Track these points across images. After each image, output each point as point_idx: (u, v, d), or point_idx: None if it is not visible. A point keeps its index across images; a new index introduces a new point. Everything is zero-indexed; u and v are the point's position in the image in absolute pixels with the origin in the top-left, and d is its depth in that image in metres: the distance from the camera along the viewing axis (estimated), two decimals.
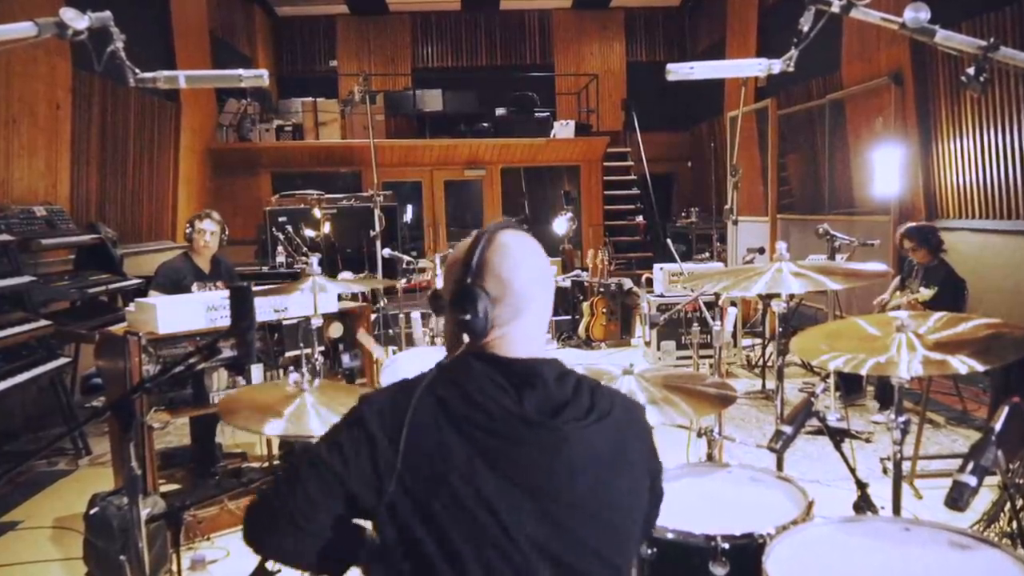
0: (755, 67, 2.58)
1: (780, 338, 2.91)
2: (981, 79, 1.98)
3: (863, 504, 2.01)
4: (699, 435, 2.64)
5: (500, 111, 11.92)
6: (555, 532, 1.12)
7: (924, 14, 1.99)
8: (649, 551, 1.89)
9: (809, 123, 8.98)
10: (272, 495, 1.19)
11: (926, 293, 4.51)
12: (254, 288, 1.62)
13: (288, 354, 3.66)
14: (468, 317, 1.17)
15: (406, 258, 6.17)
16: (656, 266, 6.90)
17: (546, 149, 11.47)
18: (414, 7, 13.55)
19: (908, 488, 3.65)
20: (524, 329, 1.22)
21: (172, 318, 3.27)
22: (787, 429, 1.95)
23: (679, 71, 2.63)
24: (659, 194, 12.65)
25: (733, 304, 6.42)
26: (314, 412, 2.29)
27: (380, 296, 6.22)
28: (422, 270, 6.90)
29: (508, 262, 1.20)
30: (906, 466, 3.68)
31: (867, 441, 4.50)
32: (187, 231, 4.34)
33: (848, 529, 1.78)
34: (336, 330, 3.83)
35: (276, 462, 4.16)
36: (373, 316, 4.93)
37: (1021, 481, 2.27)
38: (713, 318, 3.46)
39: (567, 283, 8.19)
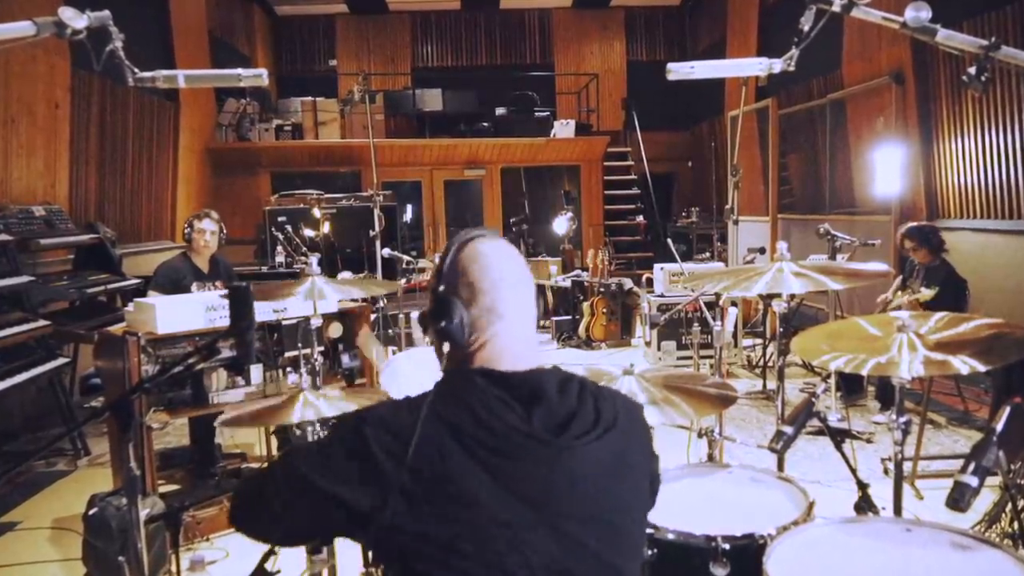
0: (756, 66, 2.57)
1: (781, 338, 2.91)
2: (982, 78, 1.98)
3: (864, 505, 2.01)
4: (700, 435, 2.64)
5: (500, 111, 11.91)
6: (566, 547, 1.11)
7: (925, 13, 1.98)
8: (650, 552, 1.88)
9: (810, 123, 8.98)
10: (257, 494, 1.21)
11: (928, 293, 4.51)
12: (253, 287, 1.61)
13: (287, 354, 3.66)
14: (444, 324, 1.18)
15: (406, 258, 6.16)
16: (656, 266, 6.90)
17: (546, 149, 11.46)
18: (414, 6, 13.55)
19: (909, 489, 3.64)
20: (511, 333, 1.21)
21: (171, 318, 3.26)
22: (788, 429, 1.94)
23: (679, 70, 2.62)
24: (659, 194, 12.65)
25: (734, 304, 6.42)
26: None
27: (379, 296, 6.21)
28: (422, 270, 6.89)
29: (476, 266, 1.21)
30: (907, 466, 3.68)
31: (868, 441, 4.49)
32: (186, 231, 4.34)
33: (849, 530, 1.77)
34: (336, 330, 3.82)
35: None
36: (372, 316, 4.92)
37: (1022, 482, 2.27)
38: (714, 318, 3.45)
39: (567, 283, 8.19)
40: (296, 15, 13.43)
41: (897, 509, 2.04)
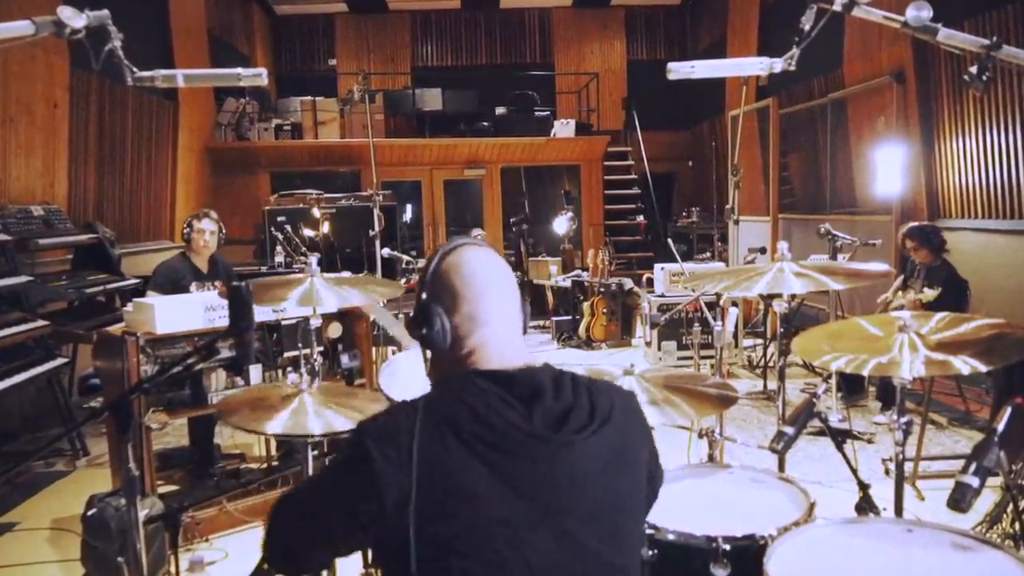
0: (756, 66, 2.57)
1: (781, 338, 2.90)
2: (984, 78, 1.97)
3: (865, 505, 2.01)
4: (700, 436, 2.63)
5: (500, 110, 11.90)
6: (566, 547, 1.11)
7: (926, 12, 1.97)
8: (650, 552, 1.87)
9: (811, 122, 8.97)
10: (282, 526, 1.24)
11: (931, 293, 4.50)
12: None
13: (287, 354, 3.65)
14: (425, 331, 1.21)
15: (405, 258, 6.14)
16: (657, 266, 6.89)
17: (546, 148, 11.46)
18: (414, 5, 13.54)
19: (910, 489, 3.64)
20: (496, 337, 1.23)
21: (170, 318, 3.26)
22: (789, 430, 1.94)
23: (680, 70, 2.62)
24: (660, 193, 12.64)
25: (734, 304, 6.42)
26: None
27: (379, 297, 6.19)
28: (421, 270, 6.88)
29: (459, 274, 1.23)
30: (908, 467, 3.68)
31: (869, 442, 4.49)
32: (185, 231, 4.33)
33: (850, 530, 1.77)
34: (335, 330, 3.82)
35: (275, 463, 4.15)
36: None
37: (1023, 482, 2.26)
38: (714, 318, 3.44)
39: (567, 283, 8.18)
40: (296, 14, 13.42)
41: (898, 510, 2.04)
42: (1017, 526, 2.19)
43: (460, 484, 1.07)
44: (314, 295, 2.55)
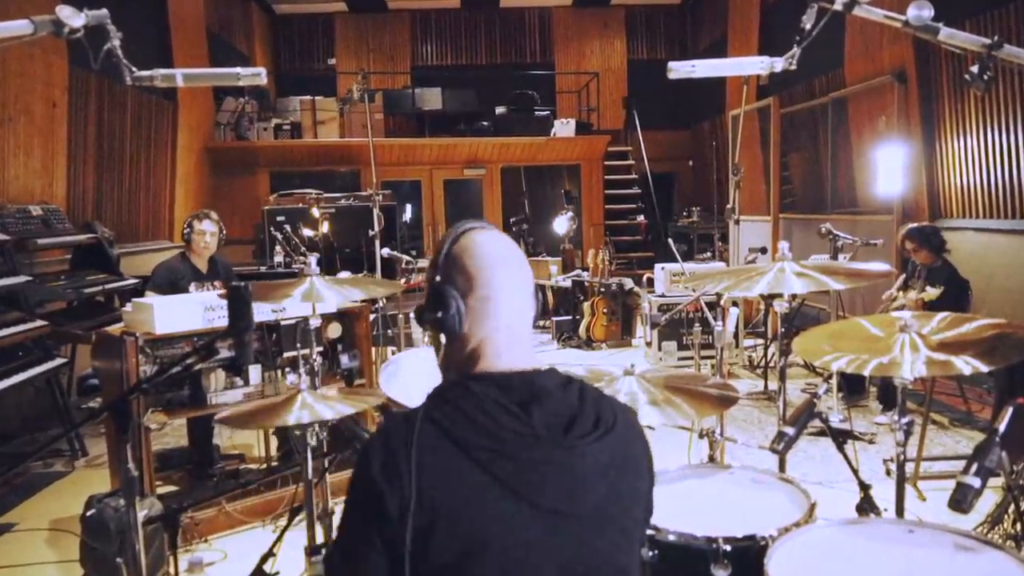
0: (757, 65, 2.57)
1: (782, 339, 2.89)
2: (985, 77, 1.97)
3: (866, 506, 2.00)
4: (701, 436, 2.63)
5: (500, 110, 11.89)
6: (571, 549, 1.11)
7: (927, 12, 1.97)
8: (651, 553, 1.87)
9: (812, 122, 8.96)
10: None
11: (933, 292, 4.50)
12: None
13: (286, 355, 3.64)
14: (440, 315, 1.17)
15: (405, 258, 6.14)
16: (657, 266, 6.89)
17: (546, 148, 11.45)
18: (413, 5, 13.53)
19: (911, 490, 3.63)
20: (508, 327, 1.20)
21: (169, 318, 3.25)
22: (789, 430, 1.93)
23: (680, 69, 2.61)
24: (660, 193, 12.64)
25: (735, 304, 6.41)
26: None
27: (379, 296, 6.19)
28: (421, 270, 6.88)
29: (472, 255, 1.20)
30: (909, 468, 3.67)
31: (870, 442, 4.48)
32: (185, 232, 4.32)
33: (851, 531, 1.77)
34: (334, 330, 3.81)
35: (274, 464, 4.14)
36: (372, 316, 4.91)
37: None
38: (715, 318, 3.43)
39: (567, 283, 8.18)
40: (295, 13, 13.42)
41: (899, 510, 2.03)
42: (1019, 527, 2.19)
43: (465, 493, 1.06)
44: (314, 294, 2.54)
